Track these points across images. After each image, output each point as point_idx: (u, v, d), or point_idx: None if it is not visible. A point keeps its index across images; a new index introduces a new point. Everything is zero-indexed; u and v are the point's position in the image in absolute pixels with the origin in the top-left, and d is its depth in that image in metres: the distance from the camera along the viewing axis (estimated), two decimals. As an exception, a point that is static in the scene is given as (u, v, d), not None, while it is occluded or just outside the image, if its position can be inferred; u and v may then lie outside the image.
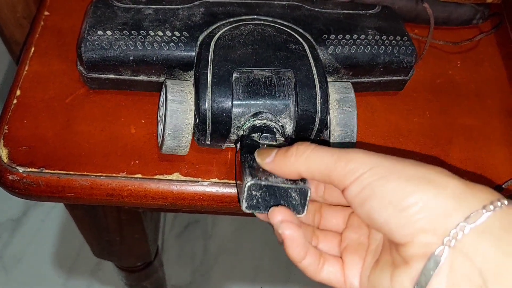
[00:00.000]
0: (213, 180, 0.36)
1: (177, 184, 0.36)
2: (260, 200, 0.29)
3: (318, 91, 0.34)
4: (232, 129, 0.34)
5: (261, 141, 0.33)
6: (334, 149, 0.26)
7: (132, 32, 0.36)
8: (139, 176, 0.36)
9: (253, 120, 0.34)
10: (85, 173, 0.35)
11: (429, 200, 0.23)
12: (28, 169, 0.35)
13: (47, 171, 0.35)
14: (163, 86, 0.36)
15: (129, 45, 0.36)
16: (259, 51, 0.36)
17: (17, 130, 0.37)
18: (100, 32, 0.36)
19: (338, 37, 0.38)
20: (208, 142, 0.36)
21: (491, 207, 0.23)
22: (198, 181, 0.36)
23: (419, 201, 0.23)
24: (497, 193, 0.24)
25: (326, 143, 0.36)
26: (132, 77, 0.38)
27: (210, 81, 0.34)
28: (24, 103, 0.38)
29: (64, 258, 1.06)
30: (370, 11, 0.41)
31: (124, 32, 0.36)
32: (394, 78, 0.40)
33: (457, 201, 0.23)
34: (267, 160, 0.28)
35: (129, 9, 0.38)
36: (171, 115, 0.34)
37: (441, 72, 0.45)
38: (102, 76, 0.38)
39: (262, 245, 1.09)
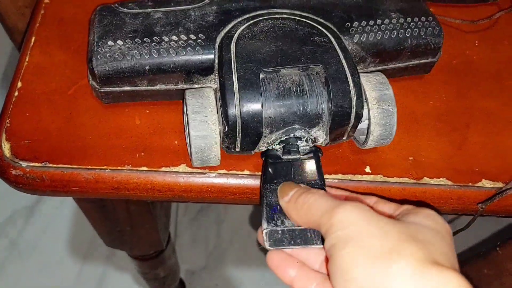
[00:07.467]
0: (221, 171, 0.35)
1: (184, 176, 0.35)
2: (282, 238, 0.30)
3: (351, 84, 0.32)
4: (262, 140, 0.33)
5: (284, 157, 0.33)
6: (324, 207, 0.27)
7: (145, 39, 0.34)
8: (145, 168, 0.35)
9: (285, 138, 0.33)
10: (90, 167, 0.35)
11: None
12: (32, 164, 0.34)
13: (50, 165, 0.34)
14: (183, 99, 0.35)
15: (144, 53, 0.34)
16: (283, 47, 0.33)
17: (19, 124, 0.36)
18: (110, 43, 0.34)
19: (362, 24, 0.36)
20: (238, 150, 0.34)
21: None
22: (206, 173, 0.35)
23: None
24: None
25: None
26: (149, 87, 0.36)
27: (237, 85, 0.32)
28: (26, 95, 0.37)
29: (79, 244, 1.08)
30: None
31: (136, 40, 0.34)
32: (421, 61, 0.38)
33: None
34: (284, 198, 0.30)
35: (137, 14, 0.35)
36: (194, 128, 0.32)
37: (458, 52, 0.43)
38: (117, 89, 0.35)
39: (275, 229, 1.09)
